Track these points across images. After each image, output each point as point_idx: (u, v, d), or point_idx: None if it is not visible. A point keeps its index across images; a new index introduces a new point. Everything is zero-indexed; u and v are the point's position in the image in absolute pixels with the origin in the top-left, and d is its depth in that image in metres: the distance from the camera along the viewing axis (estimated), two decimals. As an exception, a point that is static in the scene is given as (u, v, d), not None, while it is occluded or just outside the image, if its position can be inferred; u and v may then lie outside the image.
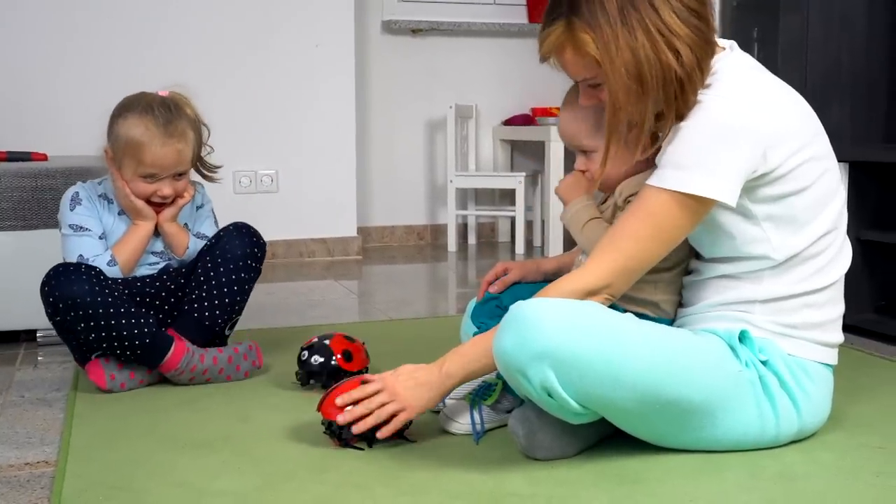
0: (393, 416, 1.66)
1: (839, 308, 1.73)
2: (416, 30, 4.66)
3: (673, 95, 1.57)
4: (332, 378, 2.04)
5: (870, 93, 2.97)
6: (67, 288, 1.99)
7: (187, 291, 2.19)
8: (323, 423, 1.73)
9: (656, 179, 1.59)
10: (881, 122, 2.98)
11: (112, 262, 2.12)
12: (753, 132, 1.56)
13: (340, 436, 1.71)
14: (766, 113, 1.59)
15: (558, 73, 1.72)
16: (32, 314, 2.30)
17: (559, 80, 1.79)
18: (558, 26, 1.61)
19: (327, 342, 2.08)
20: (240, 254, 2.19)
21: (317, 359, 2.06)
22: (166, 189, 2.15)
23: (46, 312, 2.05)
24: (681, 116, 1.59)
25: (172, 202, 2.18)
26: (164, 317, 2.19)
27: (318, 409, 1.73)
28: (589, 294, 1.60)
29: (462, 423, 1.78)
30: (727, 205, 1.57)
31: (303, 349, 2.10)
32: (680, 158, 1.57)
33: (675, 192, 1.56)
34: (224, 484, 1.56)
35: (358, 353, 2.10)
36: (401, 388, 1.66)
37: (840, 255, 1.70)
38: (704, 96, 1.59)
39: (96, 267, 2.06)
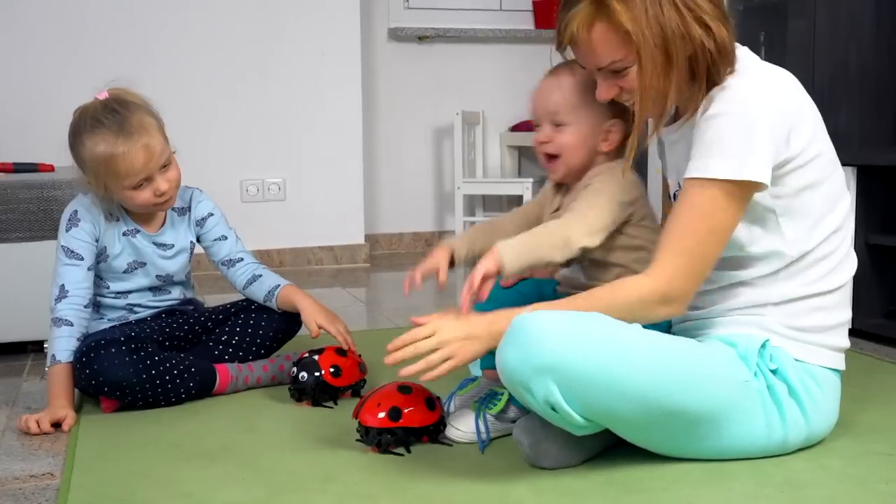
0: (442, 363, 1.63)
1: (847, 313, 1.73)
2: (423, 37, 4.66)
3: (704, 71, 1.59)
4: (323, 394, 2.04)
5: (878, 96, 2.95)
6: (112, 372, 1.95)
7: (223, 340, 2.21)
8: (359, 430, 1.75)
9: (701, 171, 1.57)
10: (889, 126, 2.96)
11: (87, 306, 2.06)
12: (780, 112, 1.58)
13: (379, 443, 1.71)
14: (789, 94, 1.62)
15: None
16: (40, 325, 2.29)
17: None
18: (584, 4, 1.59)
19: (316, 358, 2.06)
20: (277, 336, 2.26)
21: (304, 375, 2.04)
22: (162, 185, 2.03)
23: (79, 383, 1.99)
24: (705, 96, 1.61)
25: (167, 200, 2.08)
26: (198, 344, 2.22)
27: (355, 416, 1.74)
28: (663, 302, 1.59)
29: (465, 432, 1.77)
30: (765, 185, 1.57)
31: (293, 365, 2.09)
32: (721, 147, 1.56)
33: (723, 181, 1.55)
34: (228, 495, 1.56)
35: (349, 367, 2.08)
36: (451, 336, 1.61)
37: (847, 259, 1.71)
38: (731, 81, 1.60)
39: (132, 337, 2.00)
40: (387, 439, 1.71)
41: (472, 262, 1.80)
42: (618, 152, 1.80)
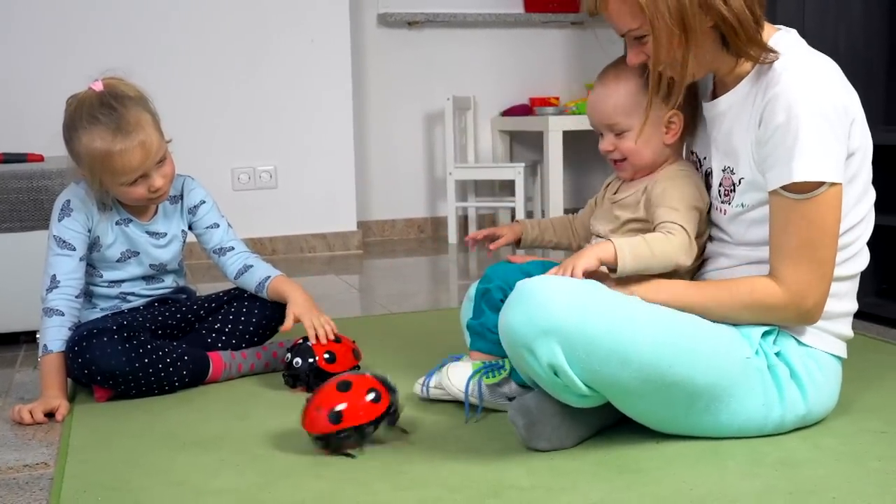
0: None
1: (853, 304, 1.74)
2: (413, 22, 4.64)
3: (723, 42, 1.60)
4: (317, 380, 2.03)
5: (868, 77, 2.95)
6: (104, 361, 1.95)
7: (216, 328, 2.21)
8: (311, 436, 1.68)
9: (784, 177, 1.55)
10: (880, 106, 2.96)
11: (78, 296, 2.05)
12: (845, 110, 1.58)
13: (328, 445, 1.66)
14: (846, 88, 1.62)
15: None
16: (32, 316, 2.28)
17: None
18: None
19: (311, 343, 2.07)
20: (270, 324, 2.25)
21: (299, 361, 2.05)
22: (157, 181, 2.02)
23: (72, 372, 2.00)
24: (729, 69, 1.64)
25: (161, 195, 2.07)
26: (191, 332, 2.22)
27: (302, 426, 1.67)
28: (800, 314, 1.60)
29: (453, 386, 1.79)
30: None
31: (288, 351, 2.09)
32: (810, 149, 1.54)
33: (830, 183, 1.55)
34: (222, 482, 1.56)
35: (343, 353, 2.09)
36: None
37: (862, 252, 1.72)
38: (791, 67, 1.59)
39: (125, 325, 2.00)
40: (336, 442, 1.65)
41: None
42: (682, 139, 1.80)
